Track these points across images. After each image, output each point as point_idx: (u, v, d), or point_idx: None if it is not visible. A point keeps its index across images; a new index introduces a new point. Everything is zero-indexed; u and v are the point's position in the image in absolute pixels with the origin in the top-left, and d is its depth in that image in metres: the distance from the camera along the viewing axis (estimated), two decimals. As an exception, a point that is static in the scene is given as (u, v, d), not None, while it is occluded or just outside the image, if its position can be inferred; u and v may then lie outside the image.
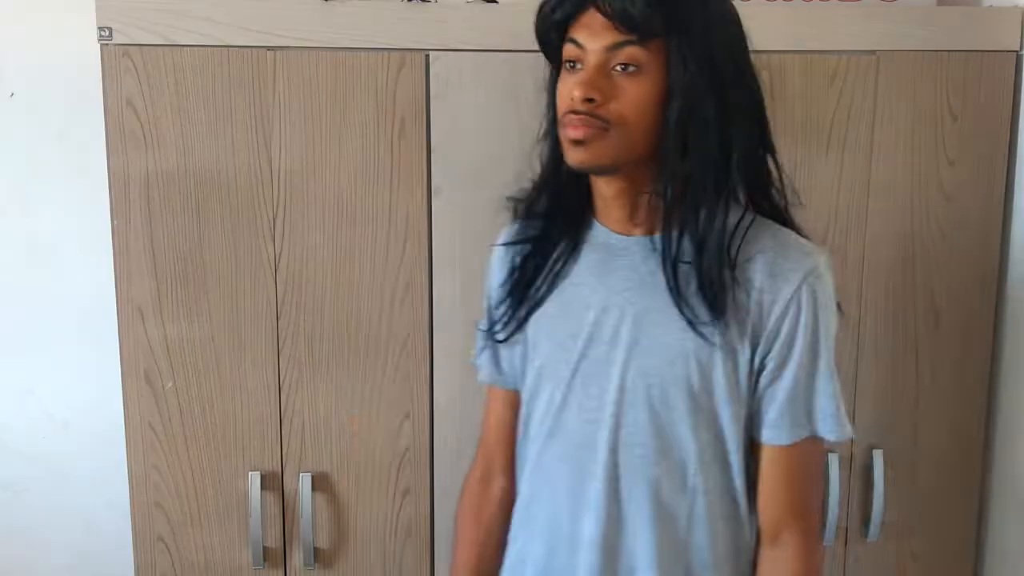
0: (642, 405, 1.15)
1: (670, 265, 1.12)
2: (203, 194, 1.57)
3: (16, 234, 1.92)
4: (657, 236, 1.15)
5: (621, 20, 1.05)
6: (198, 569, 1.67)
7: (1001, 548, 1.75)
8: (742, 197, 1.16)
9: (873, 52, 1.60)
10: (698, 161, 1.09)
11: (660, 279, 1.13)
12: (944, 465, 1.73)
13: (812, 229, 1.62)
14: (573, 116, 1.07)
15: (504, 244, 1.28)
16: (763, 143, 1.16)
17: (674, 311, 1.12)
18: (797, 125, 1.61)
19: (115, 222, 1.57)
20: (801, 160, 1.62)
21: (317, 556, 1.67)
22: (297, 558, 1.67)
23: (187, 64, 1.53)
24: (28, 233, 1.92)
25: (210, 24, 1.52)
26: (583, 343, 1.18)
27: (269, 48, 1.54)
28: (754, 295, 1.12)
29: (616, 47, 1.06)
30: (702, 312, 1.11)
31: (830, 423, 1.17)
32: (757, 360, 1.14)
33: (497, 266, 1.29)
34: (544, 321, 1.22)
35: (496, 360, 1.32)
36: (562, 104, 1.10)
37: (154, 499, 1.64)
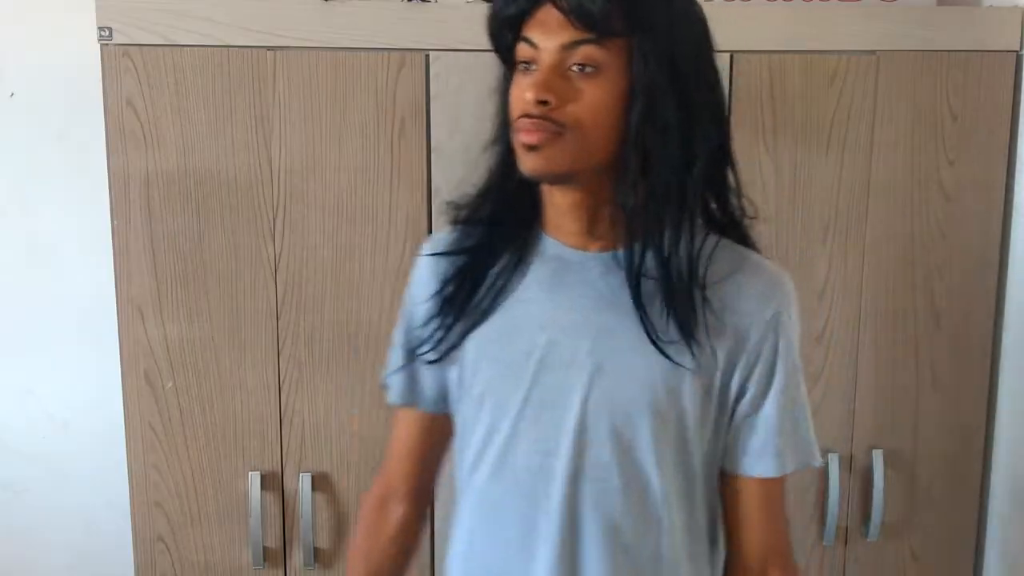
0: (605, 434, 1.06)
1: (636, 281, 1.04)
2: (203, 194, 1.57)
3: (16, 234, 1.92)
4: (621, 252, 1.06)
5: (578, 16, 0.97)
6: (198, 569, 1.67)
7: (1001, 548, 1.75)
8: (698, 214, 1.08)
9: (873, 52, 1.60)
10: (660, 166, 1.01)
11: (622, 297, 1.05)
12: (944, 465, 1.73)
13: (812, 229, 1.64)
14: (526, 120, 1.00)
15: (434, 254, 1.16)
16: (723, 151, 1.08)
17: (639, 331, 1.03)
18: (797, 125, 1.61)
19: (115, 222, 1.57)
20: (801, 160, 1.62)
21: (317, 556, 1.67)
22: (297, 558, 1.67)
23: (187, 64, 1.53)
24: (28, 233, 1.92)
25: (210, 24, 1.52)
26: (535, 367, 1.08)
27: (269, 48, 1.54)
28: (728, 318, 1.05)
29: (573, 46, 0.98)
30: (672, 332, 1.03)
31: (811, 450, 1.11)
32: (734, 387, 1.07)
33: (425, 278, 1.17)
34: (487, 342, 1.11)
35: (413, 380, 1.21)
36: (515, 107, 1.02)
37: (154, 499, 1.64)
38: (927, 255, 1.66)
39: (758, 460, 1.09)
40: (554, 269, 1.10)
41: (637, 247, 1.04)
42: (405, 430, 1.25)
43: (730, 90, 1.58)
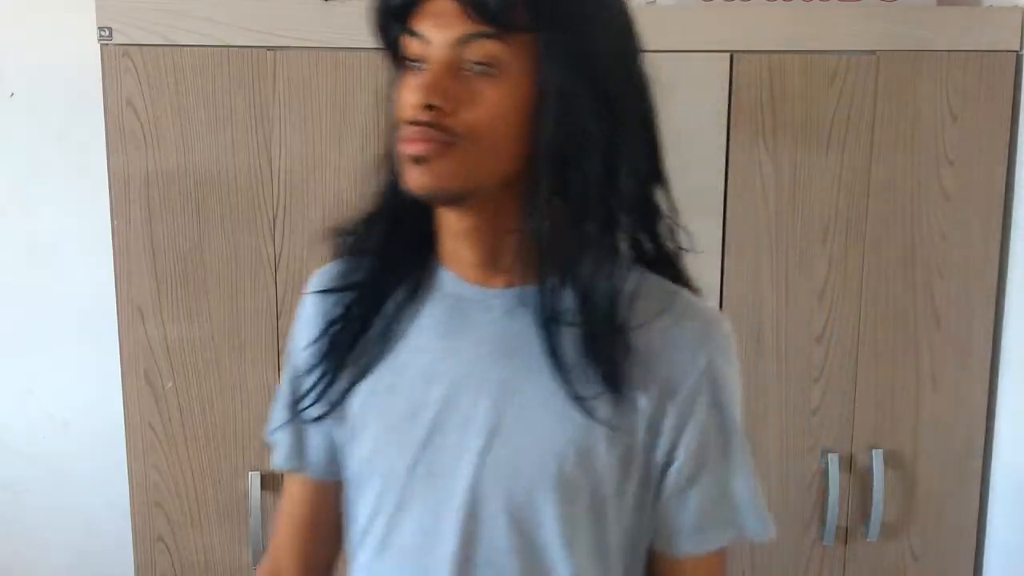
0: (501, 513, 0.89)
1: (550, 324, 0.88)
2: (203, 194, 1.57)
3: (16, 234, 1.92)
4: (530, 288, 0.89)
5: (474, 6, 0.82)
6: (198, 569, 1.67)
7: (1001, 548, 1.75)
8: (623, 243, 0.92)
9: (873, 52, 1.60)
10: (580, 182, 0.86)
11: (529, 343, 0.89)
12: (944, 465, 1.73)
13: (812, 229, 1.64)
14: (412, 128, 0.84)
15: (318, 292, 1.00)
16: (653, 169, 0.92)
17: (550, 385, 0.88)
18: (797, 125, 1.61)
19: (115, 222, 1.57)
20: (801, 160, 1.62)
21: (317, 556, 1.67)
22: (297, 558, 1.67)
23: (187, 64, 1.53)
24: (28, 233, 1.92)
25: (210, 24, 1.52)
26: (426, 428, 0.92)
27: (269, 48, 1.54)
28: (654, 368, 0.89)
29: (468, 39, 0.83)
30: (590, 384, 0.86)
31: (758, 522, 0.95)
32: (661, 452, 0.91)
33: (310, 319, 1.00)
34: (374, 396, 0.95)
35: (300, 441, 1.03)
36: (400, 113, 0.86)
37: (154, 499, 1.64)
38: (927, 255, 1.66)
39: (695, 537, 0.94)
40: (450, 309, 0.94)
41: (552, 283, 0.88)
42: (295, 498, 1.07)
43: (730, 90, 1.58)
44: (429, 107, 0.83)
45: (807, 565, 1.73)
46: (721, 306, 1.62)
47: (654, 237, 0.94)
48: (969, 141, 1.64)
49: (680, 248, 0.95)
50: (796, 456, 1.68)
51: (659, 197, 0.93)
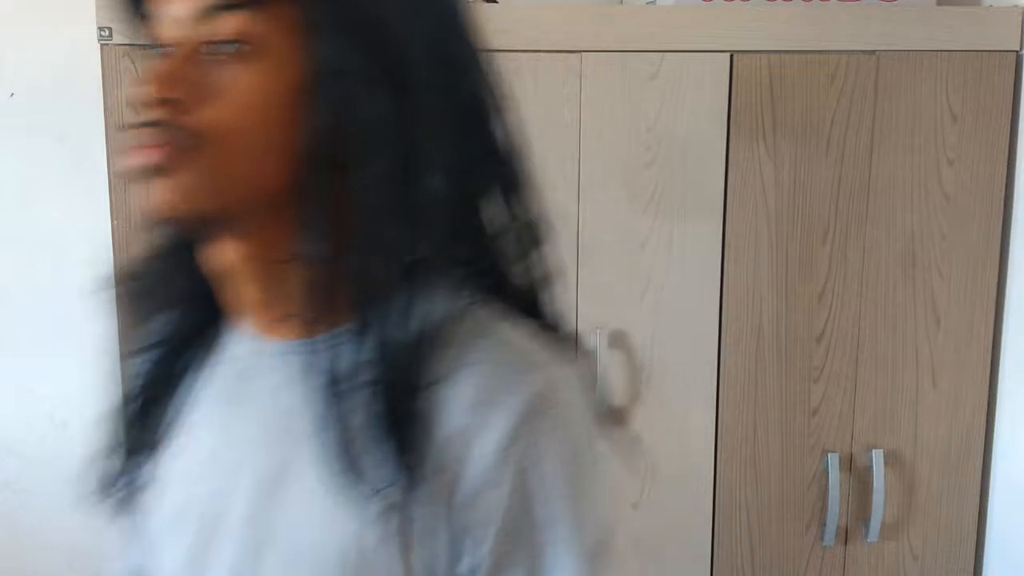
0: None
1: (328, 389, 0.66)
2: (203, 194, 1.56)
3: (16, 234, 1.92)
4: (320, 338, 0.68)
5: None
6: (198, 569, 1.67)
7: (1001, 548, 1.75)
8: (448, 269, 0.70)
9: (873, 52, 1.60)
10: (369, 193, 0.64)
11: (306, 417, 0.67)
12: (944, 465, 1.73)
13: (812, 229, 1.64)
14: (144, 131, 0.64)
15: (133, 351, 0.81)
16: (499, 173, 0.71)
17: (325, 476, 0.66)
18: (797, 125, 1.61)
19: (115, 222, 1.57)
20: (801, 160, 1.62)
21: (317, 556, 1.66)
22: (297, 558, 1.66)
23: (187, 64, 1.53)
24: (28, 233, 1.92)
25: (210, 24, 1.52)
26: (190, 539, 0.72)
27: (269, 48, 1.54)
28: (449, 442, 0.64)
29: (211, 13, 0.63)
30: (380, 470, 0.63)
31: None
32: (447, 562, 0.66)
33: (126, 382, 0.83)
34: (157, 485, 0.77)
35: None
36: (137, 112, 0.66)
37: (154, 499, 1.64)
38: (927, 255, 1.67)
39: None
40: (236, 372, 0.74)
41: (336, 332, 0.67)
42: None
43: (730, 90, 1.58)
44: (165, 102, 0.64)
45: (807, 565, 1.73)
46: (721, 306, 1.63)
47: (495, 260, 0.72)
48: (969, 141, 1.64)
49: (540, 270, 0.73)
50: (796, 456, 1.68)
51: (514, 208, 0.72)
